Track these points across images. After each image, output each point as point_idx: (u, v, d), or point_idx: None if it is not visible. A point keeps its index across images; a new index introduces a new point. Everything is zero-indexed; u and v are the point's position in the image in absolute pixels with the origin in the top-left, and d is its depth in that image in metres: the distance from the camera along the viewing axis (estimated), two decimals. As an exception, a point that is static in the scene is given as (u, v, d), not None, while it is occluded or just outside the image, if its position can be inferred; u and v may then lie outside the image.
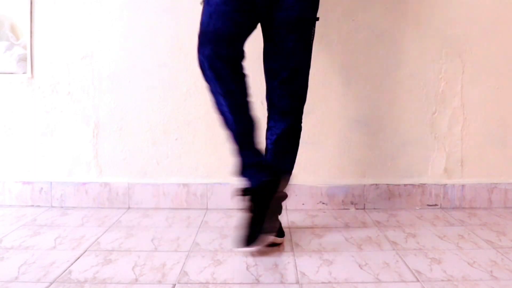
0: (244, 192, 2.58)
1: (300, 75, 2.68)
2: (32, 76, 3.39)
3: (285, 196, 2.79)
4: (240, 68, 2.55)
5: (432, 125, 3.39)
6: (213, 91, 2.52)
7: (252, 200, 2.54)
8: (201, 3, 2.65)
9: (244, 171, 2.60)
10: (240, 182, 2.60)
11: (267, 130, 2.75)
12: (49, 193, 3.41)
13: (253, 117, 2.59)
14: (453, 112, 3.39)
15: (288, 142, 2.74)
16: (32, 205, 3.42)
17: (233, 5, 2.48)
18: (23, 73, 3.40)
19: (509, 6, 3.35)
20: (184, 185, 3.39)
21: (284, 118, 2.69)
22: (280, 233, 2.67)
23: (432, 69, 3.37)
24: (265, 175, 2.59)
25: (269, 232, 2.55)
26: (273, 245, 2.59)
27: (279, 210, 2.77)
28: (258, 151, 2.62)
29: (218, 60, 2.45)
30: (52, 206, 3.41)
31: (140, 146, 3.40)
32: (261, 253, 2.50)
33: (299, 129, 2.77)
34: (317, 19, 2.69)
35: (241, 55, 2.54)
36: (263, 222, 2.49)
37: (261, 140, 2.67)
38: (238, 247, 2.44)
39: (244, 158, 2.60)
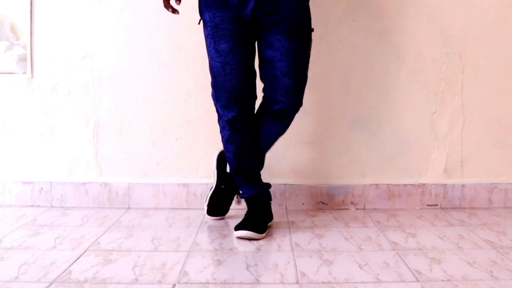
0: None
1: (303, 81, 2.80)
2: (32, 76, 3.39)
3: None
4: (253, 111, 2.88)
5: (432, 125, 3.39)
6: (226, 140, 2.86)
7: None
8: (198, 23, 2.75)
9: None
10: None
11: None
12: (49, 193, 3.41)
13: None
14: (453, 112, 3.38)
15: (276, 139, 2.97)
16: (32, 205, 3.42)
17: (243, 56, 2.70)
18: (23, 73, 3.40)
19: (508, 8, 3.35)
20: (184, 185, 3.39)
21: (280, 120, 2.87)
22: (260, 229, 2.79)
23: (432, 69, 3.37)
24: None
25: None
26: (252, 239, 2.74)
27: (265, 209, 2.97)
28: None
29: (241, 119, 2.80)
30: (52, 206, 3.41)
31: (140, 146, 3.40)
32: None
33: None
34: (312, 30, 2.77)
35: (255, 96, 2.84)
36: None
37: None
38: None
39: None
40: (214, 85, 2.78)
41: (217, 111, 2.83)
